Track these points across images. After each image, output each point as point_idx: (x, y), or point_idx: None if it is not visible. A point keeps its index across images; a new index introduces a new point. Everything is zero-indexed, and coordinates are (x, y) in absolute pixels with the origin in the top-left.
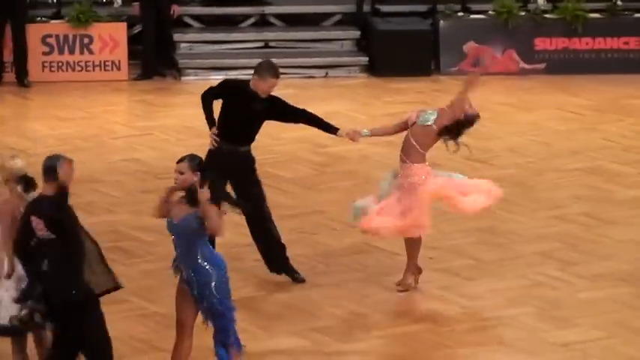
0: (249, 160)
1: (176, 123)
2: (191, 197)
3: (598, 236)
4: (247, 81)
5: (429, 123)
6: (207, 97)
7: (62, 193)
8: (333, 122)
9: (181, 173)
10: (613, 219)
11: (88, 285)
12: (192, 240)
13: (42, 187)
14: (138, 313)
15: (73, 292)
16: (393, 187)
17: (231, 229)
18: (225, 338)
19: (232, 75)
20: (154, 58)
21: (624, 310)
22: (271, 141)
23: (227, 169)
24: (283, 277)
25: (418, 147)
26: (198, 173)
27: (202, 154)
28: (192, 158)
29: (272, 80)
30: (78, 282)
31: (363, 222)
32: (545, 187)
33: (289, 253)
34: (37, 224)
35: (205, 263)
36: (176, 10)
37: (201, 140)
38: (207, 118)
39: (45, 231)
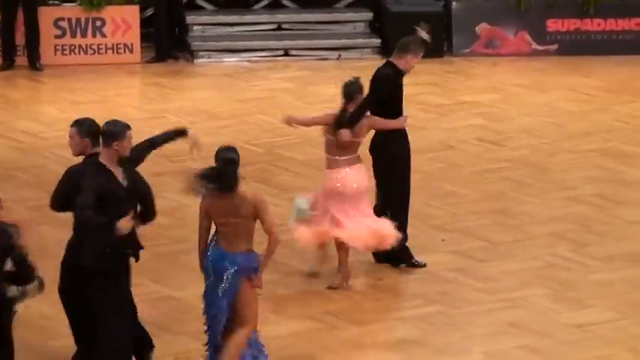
0: None
1: (189, 106)
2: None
3: (611, 217)
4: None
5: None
6: None
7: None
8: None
9: None
10: (625, 200)
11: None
12: None
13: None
14: (152, 297)
15: None
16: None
17: None
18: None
19: (245, 57)
20: (167, 41)
21: (637, 291)
22: (283, 124)
23: None
24: (296, 262)
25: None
26: None
27: (215, 138)
28: None
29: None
30: None
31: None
32: (558, 168)
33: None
34: None
35: None
36: None
37: (214, 122)
38: None
39: None
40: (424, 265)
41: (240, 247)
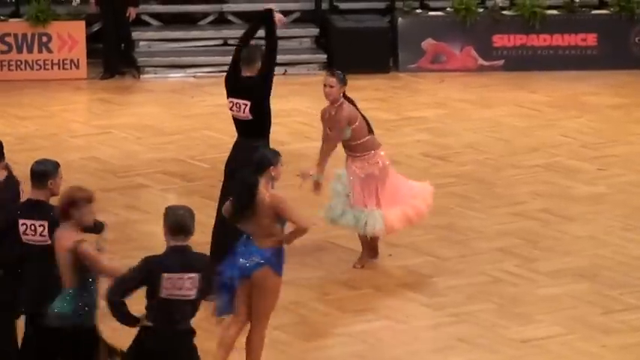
0: None
1: (135, 121)
2: None
3: (557, 232)
4: None
5: (349, 136)
6: None
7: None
8: (293, 119)
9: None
10: (572, 215)
11: None
12: None
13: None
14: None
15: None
16: (352, 182)
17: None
18: None
19: (191, 73)
20: (115, 57)
21: (583, 306)
22: (229, 139)
23: None
24: None
25: (360, 141)
26: None
27: (161, 154)
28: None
29: None
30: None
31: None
32: (504, 183)
33: None
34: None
35: None
36: (132, 12)
37: (160, 138)
38: None
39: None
40: None
41: (269, 244)
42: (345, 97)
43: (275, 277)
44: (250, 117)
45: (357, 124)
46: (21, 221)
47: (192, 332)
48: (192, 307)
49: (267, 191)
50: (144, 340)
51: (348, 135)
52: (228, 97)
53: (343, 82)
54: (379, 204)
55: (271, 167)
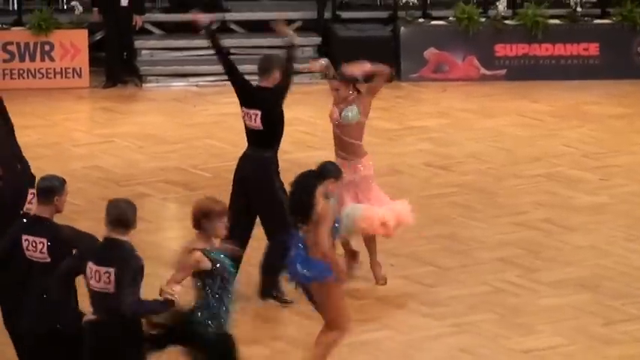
0: None
1: (137, 130)
2: None
3: (559, 242)
4: None
5: (355, 120)
6: None
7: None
8: (295, 128)
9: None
10: (573, 225)
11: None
12: None
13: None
14: None
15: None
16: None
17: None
18: None
19: (193, 81)
20: (118, 65)
21: (584, 316)
22: (232, 148)
23: None
24: (247, 285)
25: (354, 141)
26: None
27: (164, 162)
28: None
29: None
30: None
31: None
32: (506, 193)
33: (253, 261)
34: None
35: None
36: (139, 21)
37: (162, 147)
38: None
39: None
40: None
41: (317, 253)
42: (356, 89)
43: (332, 286)
44: (261, 127)
45: (366, 120)
46: (24, 237)
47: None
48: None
49: (321, 200)
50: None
51: (356, 118)
52: (241, 107)
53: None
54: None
55: (331, 179)
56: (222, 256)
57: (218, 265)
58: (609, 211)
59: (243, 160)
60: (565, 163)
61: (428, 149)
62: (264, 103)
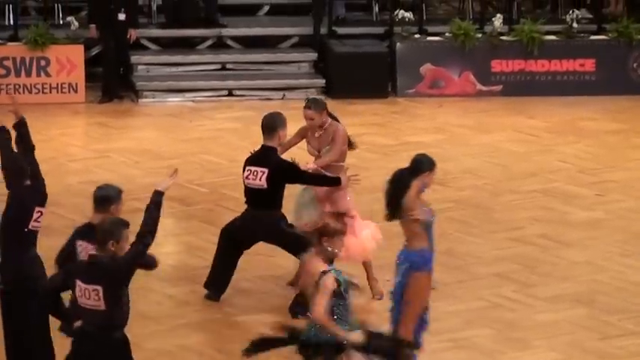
0: None
1: (133, 145)
2: None
3: (555, 258)
4: None
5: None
6: None
7: None
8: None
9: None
10: (569, 241)
11: None
12: None
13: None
14: None
15: None
16: (314, 202)
17: (190, 252)
18: None
19: (189, 97)
20: (115, 81)
21: (580, 331)
22: (228, 163)
23: None
24: (242, 300)
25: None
26: None
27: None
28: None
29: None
30: None
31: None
32: (502, 208)
33: (246, 275)
34: None
35: None
36: (133, 34)
37: (158, 162)
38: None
39: None
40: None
41: (415, 245)
42: (330, 115)
43: (422, 277)
44: (265, 186)
45: (345, 146)
46: (78, 242)
47: None
48: None
49: (416, 194)
50: None
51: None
52: (245, 168)
53: (321, 107)
54: None
55: (427, 173)
56: (340, 273)
57: (342, 283)
58: (605, 226)
59: (243, 219)
60: (561, 178)
61: None
62: (272, 162)
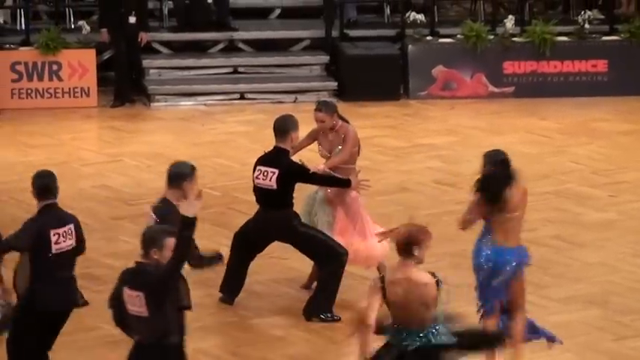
0: None
1: (145, 149)
2: None
3: (568, 259)
4: None
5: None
6: None
7: None
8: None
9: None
10: (583, 242)
11: None
12: None
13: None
14: (109, 340)
15: None
16: (327, 204)
17: None
18: None
19: (201, 100)
20: (127, 85)
21: (595, 332)
22: (240, 167)
23: None
24: (256, 303)
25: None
26: None
27: None
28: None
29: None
30: None
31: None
32: None
33: (260, 278)
34: None
35: None
36: (144, 37)
37: None
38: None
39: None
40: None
41: (512, 242)
42: (340, 117)
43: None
44: (274, 186)
45: (356, 148)
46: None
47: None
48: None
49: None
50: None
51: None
52: (255, 168)
53: (332, 110)
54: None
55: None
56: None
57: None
58: (618, 227)
59: (255, 221)
60: (574, 179)
61: (436, 167)
62: (282, 163)
